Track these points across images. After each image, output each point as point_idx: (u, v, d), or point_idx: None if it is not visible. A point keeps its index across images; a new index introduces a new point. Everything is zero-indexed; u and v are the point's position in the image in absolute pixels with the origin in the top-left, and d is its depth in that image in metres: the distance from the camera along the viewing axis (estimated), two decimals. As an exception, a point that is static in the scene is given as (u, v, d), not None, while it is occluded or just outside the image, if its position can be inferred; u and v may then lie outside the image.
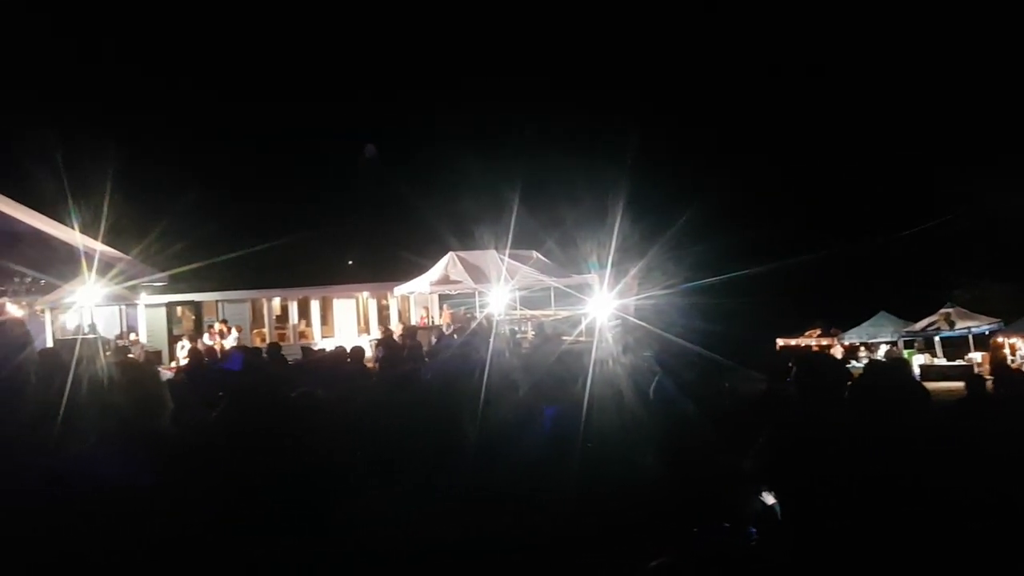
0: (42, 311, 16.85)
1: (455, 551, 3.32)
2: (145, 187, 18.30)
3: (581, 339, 13.32)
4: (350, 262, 21.51)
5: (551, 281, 18.95)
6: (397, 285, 20.38)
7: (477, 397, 4.63)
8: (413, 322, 21.47)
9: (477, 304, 19.39)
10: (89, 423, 1.53)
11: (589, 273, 18.73)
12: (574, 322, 15.37)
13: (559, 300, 19.16)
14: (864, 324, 21.68)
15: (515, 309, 19.49)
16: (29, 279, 14.75)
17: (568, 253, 20.43)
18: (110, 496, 1.36)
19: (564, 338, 12.60)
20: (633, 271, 17.52)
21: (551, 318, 17.76)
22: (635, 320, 12.49)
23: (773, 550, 3.25)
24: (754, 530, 3.42)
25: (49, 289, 14.85)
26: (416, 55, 48.67)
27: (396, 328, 18.94)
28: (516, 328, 17.53)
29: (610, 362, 5.47)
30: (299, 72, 44.85)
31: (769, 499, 3.36)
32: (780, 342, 21.29)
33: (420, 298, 22.18)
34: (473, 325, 15.41)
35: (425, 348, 11.15)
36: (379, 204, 24.06)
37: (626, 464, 3.94)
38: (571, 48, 47.60)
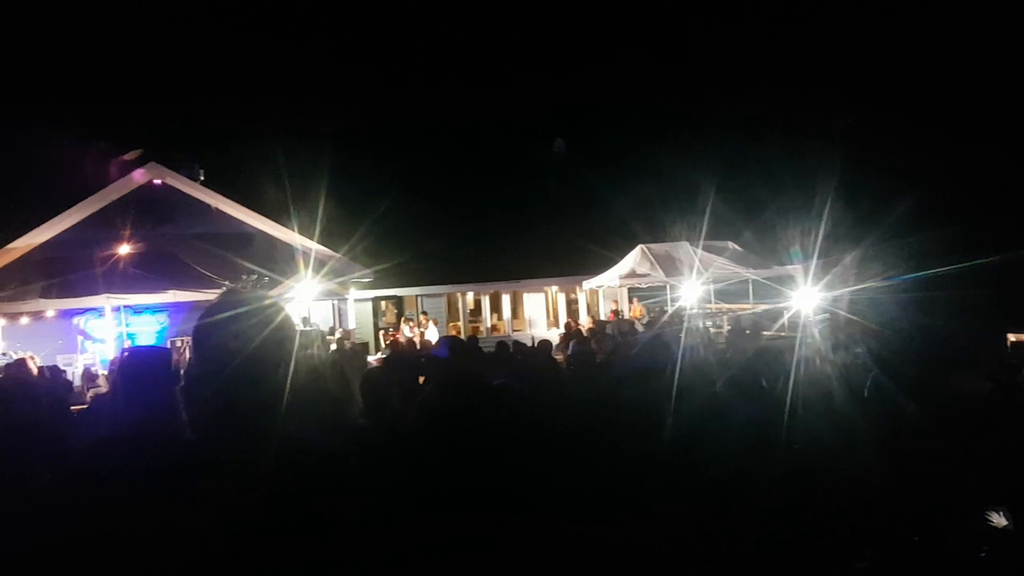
0: (268, 305, 18.52)
1: (651, 550, 3.19)
2: (353, 191, 19.58)
3: (782, 334, 12.63)
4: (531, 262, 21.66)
5: (748, 273, 18.09)
6: (586, 279, 20.38)
7: (668, 393, 4.44)
8: (602, 316, 21.41)
9: (668, 298, 18.94)
10: (304, 409, 1.61)
11: (791, 264, 17.69)
12: (774, 316, 14.58)
13: (758, 293, 18.27)
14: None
15: (709, 303, 18.84)
16: (255, 276, 16.27)
17: (767, 243, 19.39)
18: (317, 481, 1.41)
19: (763, 333, 11.98)
20: (846, 261, 16.26)
21: (748, 312, 16.97)
22: (846, 314, 11.59)
23: (1001, 570, 2.84)
24: (985, 547, 3.02)
25: (273, 285, 16.26)
26: (605, 45, 48.50)
27: (586, 322, 18.95)
28: (711, 322, 16.93)
29: (817, 360, 5.07)
30: (490, 68, 46.20)
31: (998, 515, 2.95)
32: (1012, 338, 18.98)
33: (609, 292, 22.04)
34: (663, 319, 15.05)
35: (614, 342, 11.02)
36: (568, 198, 24.19)
37: (835, 467, 3.64)
38: (772, 29, 45.31)
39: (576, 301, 23.84)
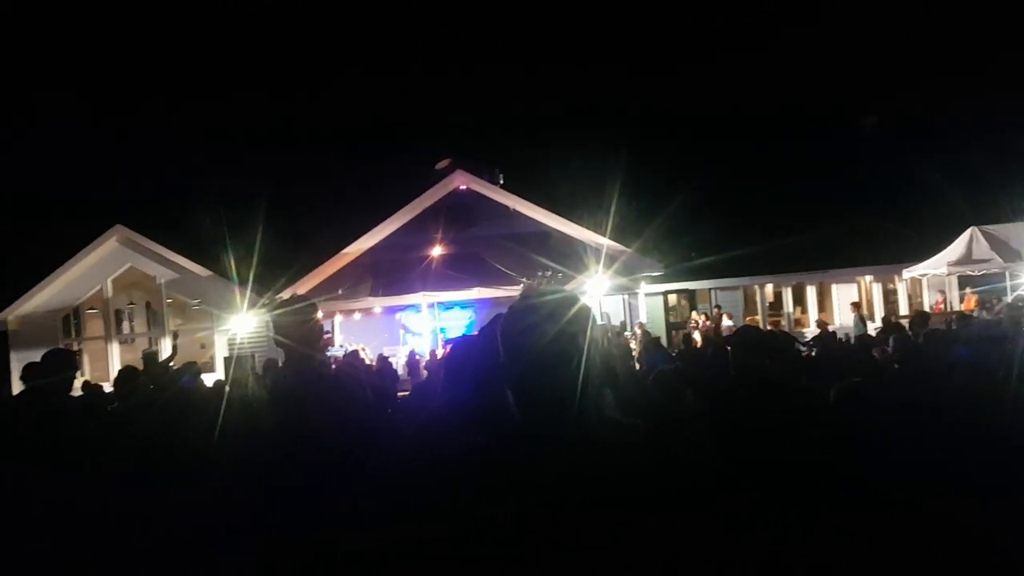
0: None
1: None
2: (644, 185, 19.53)
3: None
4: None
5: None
6: (906, 267, 18.24)
7: (1004, 393, 3.75)
8: (926, 307, 19.09)
9: (1008, 287, 16.31)
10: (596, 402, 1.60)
11: None
12: None
13: None
14: None
15: (1066, 291, 15.93)
16: (551, 272, 16.90)
17: None
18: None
19: None
20: None
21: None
22: None
23: None
24: None
25: (567, 280, 16.75)
26: (921, 12, 43.39)
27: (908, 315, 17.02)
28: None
29: None
30: (787, 48, 43.58)
31: None
32: None
33: (934, 280, 19.57)
34: (998, 309, 13.01)
35: (943, 338, 9.68)
36: (883, 179, 21.88)
37: None
38: None
39: (895, 292, 21.52)
